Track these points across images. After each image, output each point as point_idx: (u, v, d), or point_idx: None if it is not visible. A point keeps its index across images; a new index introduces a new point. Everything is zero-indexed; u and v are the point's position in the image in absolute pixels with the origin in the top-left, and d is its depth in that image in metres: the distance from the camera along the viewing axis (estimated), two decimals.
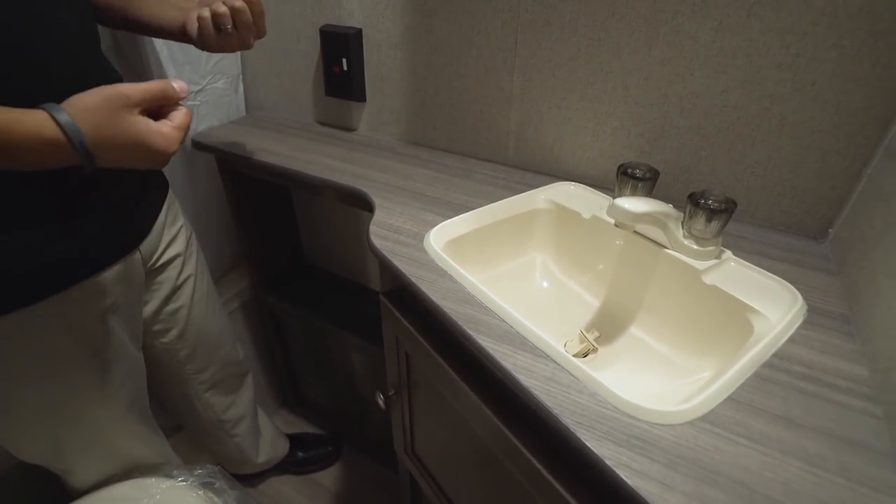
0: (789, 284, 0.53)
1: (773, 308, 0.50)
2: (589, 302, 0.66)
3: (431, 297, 0.50)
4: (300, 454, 1.22)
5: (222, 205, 1.04)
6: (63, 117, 0.41)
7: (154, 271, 0.72)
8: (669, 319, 0.59)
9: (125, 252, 0.62)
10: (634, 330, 0.62)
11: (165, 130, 0.47)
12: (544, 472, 0.42)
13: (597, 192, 0.71)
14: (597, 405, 0.39)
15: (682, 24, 0.60)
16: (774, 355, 0.45)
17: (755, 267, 0.56)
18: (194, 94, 0.90)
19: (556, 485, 0.41)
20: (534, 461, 0.43)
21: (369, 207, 0.70)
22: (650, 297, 0.61)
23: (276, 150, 0.85)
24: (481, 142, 0.83)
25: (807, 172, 0.61)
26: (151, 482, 0.78)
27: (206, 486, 0.79)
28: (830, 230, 0.63)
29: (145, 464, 0.80)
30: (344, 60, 0.85)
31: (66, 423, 0.65)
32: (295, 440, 1.23)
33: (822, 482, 0.34)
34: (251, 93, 1.03)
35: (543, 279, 0.70)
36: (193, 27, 0.60)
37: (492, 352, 0.44)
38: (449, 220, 0.63)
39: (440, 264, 0.56)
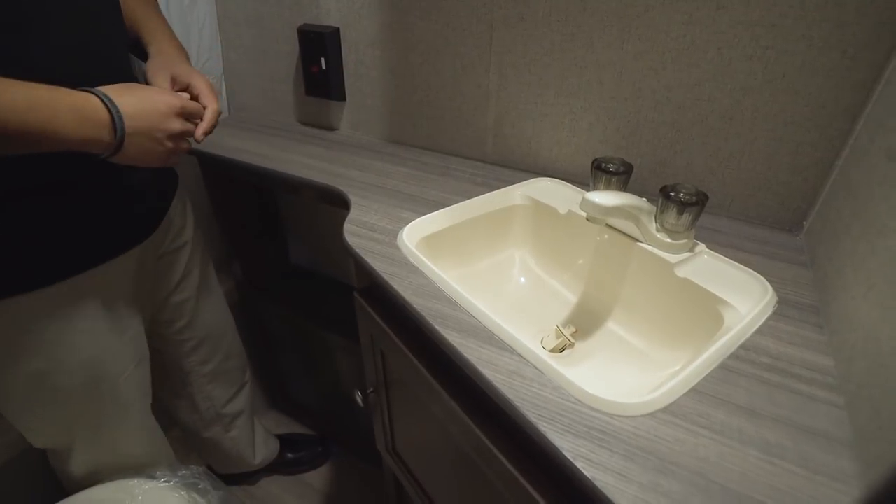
0: (761, 276, 0.53)
1: (744, 300, 0.50)
2: (566, 297, 0.66)
3: (401, 293, 0.50)
4: (290, 455, 1.22)
5: (207, 206, 1.03)
6: (107, 99, 0.47)
7: (164, 258, 0.73)
8: (644, 313, 0.59)
9: (147, 234, 0.65)
10: (611, 325, 0.62)
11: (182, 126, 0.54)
12: (513, 470, 0.42)
13: (574, 187, 0.71)
14: (559, 398, 0.39)
15: (653, 18, 0.60)
16: (742, 346, 0.45)
17: (728, 259, 0.56)
18: None
19: (525, 483, 0.41)
20: (503, 459, 0.43)
21: (346, 205, 0.70)
22: (625, 291, 0.61)
23: (257, 150, 0.85)
24: (460, 139, 0.83)
25: (780, 165, 0.61)
26: (134, 483, 0.77)
27: (190, 486, 0.79)
28: (805, 222, 0.63)
29: (143, 460, 0.80)
30: (322, 60, 0.85)
31: (85, 408, 0.66)
32: (284, 441, 1.23)
33: (780, 472, 0.34)
34: (234, 94, 1.03)
35: (521, 275, 0.70)
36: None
37: (457, 346, 0.44)
38: (423, 217, 0.63)
39: (412, 261, 0.56)
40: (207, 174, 0.96)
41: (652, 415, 0.38)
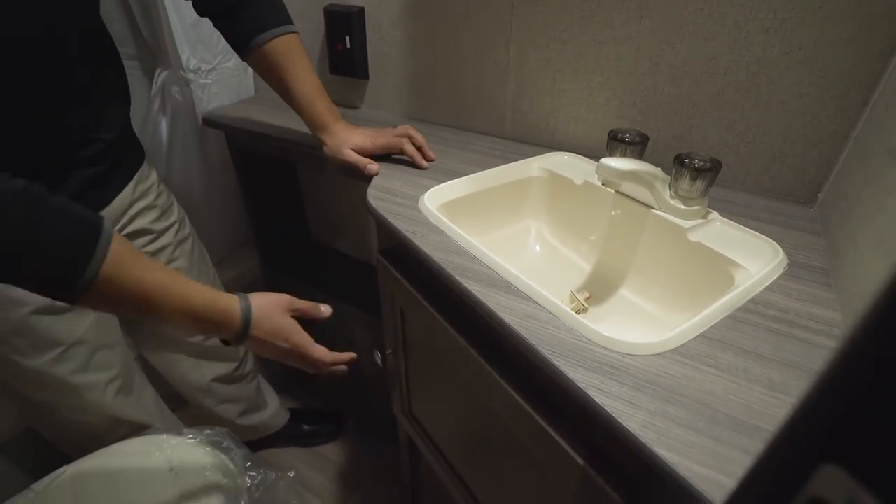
0: (772, 241, 0.54)
1: (755, 262, 0.52)
2: (580, 266, 0.68)
3: (423, 248, 0.53)
4: (305, 427, 1.25)
5: (232, 184, 1.08)
6: (244, 304, 0.57)
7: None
8: (656, 279, 0.61)
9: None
10: (623, 291, 0.64)
11: (321, 356, 0.62)
12: (526, 405, 0.44)
13: (590, 160, 0.73)
14: (572, 338, 0.42)
15: None
16: (751, 301, 0.46)
17: (740, 226, 0.57)
18: (206, 73, 0.94)
19: (538, 418, 0.43)
20: (516, 397, 0.45)
21: (369, 178, 0.72)
22: (638, 257, 0.63)
23: (282, 126, 0.89)
24: (479, 116, 0.85)
25: (796, 137, 0.62)
26: (163, 437, 0.82)
27: (214, 444, 0.83)
28: (819, 194, 0.64)
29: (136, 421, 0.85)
30: (347, 38, 0.88)
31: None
32: (301, 414, 1.27)
33: (784, 405, 0.36)
34: None
35: (537, 244, 0.72)
36: (373, 170, 0.71)
37: (476, 293, 0.46)
38: (443, 185, 0.66)
39: (433, 221, 0.58)
40: (234, 152, 1.00)
41: (661, 355, 0.40)
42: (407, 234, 0.56)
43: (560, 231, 0.71)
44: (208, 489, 0.73)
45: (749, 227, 0.57)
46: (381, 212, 0.60)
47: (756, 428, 0.34)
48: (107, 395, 0.80)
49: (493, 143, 0.82)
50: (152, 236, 0.80)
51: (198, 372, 1.00)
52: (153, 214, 0.79)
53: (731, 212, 0.61)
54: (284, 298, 0.60)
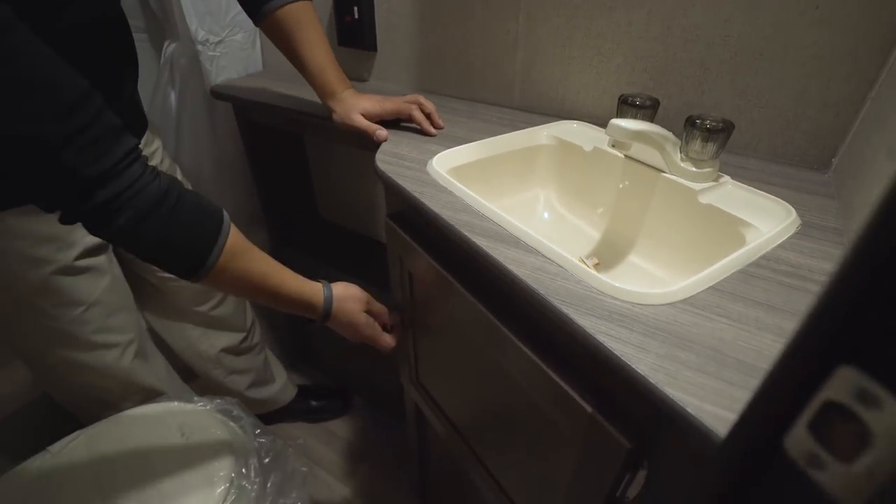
0: (784, 202, 0.54)
1: (767, 222, 0.51)
2: (589, 233, 0.68)
3: (431, 206, 0.53)
4: (313, 402, 1.27)
5: (240, 159, 1.08)
6: (328, 292, 0.66)
7: None
8: (666, 243, 0.60)
9: None
10: (632, 257, 0.63)
11: (388, 339, 0.72)
12: (535, 357, 0.44)
13: (599, 128, 0.72)
14: (581, 289, 0.41)
15: None
16: (762, 257, 0.46)
17: (752, 188, 0.57)
18: (214, 45, 0.94)
19: (546, 369, 0.43)
20: (525, 349, 0.45)
21: (377, 145, 0.72)
22: (648, 222, 0.62)
23: (291, 95, 0.89)
24: (488, 86, 0.84)
25: (811, 101, 0.61)
26: (174, 405, 0.83)
27: (225, 412, 0.84)
28: (834, 159, 0.63)
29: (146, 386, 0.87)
30: (355, 9, 0.87)
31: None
32: (308, 390, 1.28)
33: None
34: (267, 48, 1.06)
35: (545, 212, 0.72)
36: (381, 136, 0.72)
37: (485, 248, 0.46)
38: (451, 150, 0.65)
39: (442, 182, 0.58)
40: (242, 125, 1.00)
41: (671, 304, 0.40)
42: (415, 194, 0.56)
43: (569, 199, 0.71)
44: (219, 454, 0.74)
45: (761, 191, 0.56)
46: (389, 174, 0.60)
47: (765, 371, 0.34)
48: (125, 358, 0.81)
49: (502, 112, 0.82)
50: None
51: (206, 342, 1.01)
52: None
53: (743, 177, 0.60)
54: (362, 297, 0.69)
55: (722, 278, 0.43)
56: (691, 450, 0.34)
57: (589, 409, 0.39)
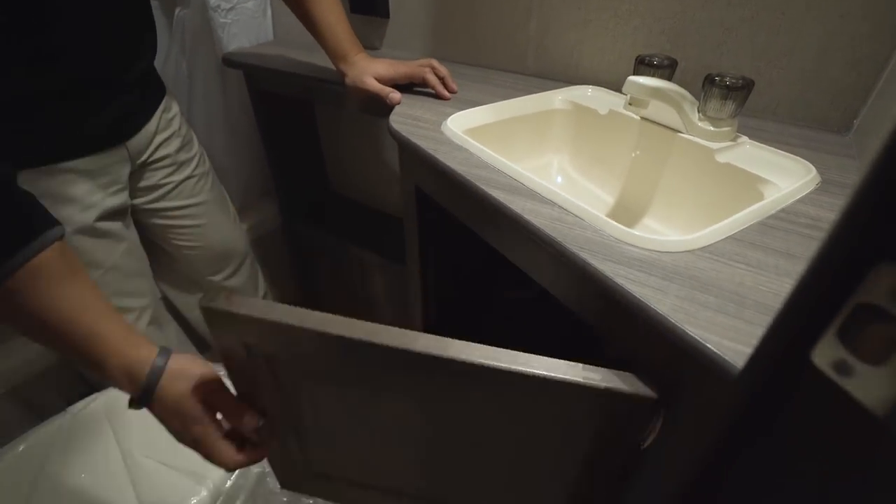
0: (804, 160, 0.53)
1: (786, 179, 0.50)
2: (604, 199, 0.67)
3: (447, 163, 0.53)
4: None
5: (252, 131, 1.08)
6: (161, 361, 0.45)
7: (146, 166, 0.78)
8: (682, 206, 0.60)
9: (116, 143, 0.70)
10: (647, 220, 0.63)
11: (228, 453, 0.48)
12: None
13: (614, 93, 0.71)
14: (600, 238, 0.41)
15: None
16: (782, 210, 0.46)
17: (770, 148, 0.56)
18: (226, 12, 0.93)
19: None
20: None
21: (390, 110, 0.72)
22: (663, 185, 0.62)
23: (303, 62, 0.88)
24: (500, 53, 0.83)
25: (833, 61, 0.60)
26: None
27: None
28: (855, 121, 0.61)
29: None
30: None
31: None
32: None
33: None
34: (278, 14, 1.05)
35: (559, 178, 0.72)
36: (395, 98, 0.70)
37: (503, 200, 0.46)
38: (466, 111, 0.65)
39: (457, 141, 0.58)
40: (254, 94, 1.00)
41: (690, 252, 0.40)
42: (430, 151, 0.55)
43: (583, 163, 0.71)
44: None
45: (780, 150, 0.55)
46: (403, 133, 0.60)
47: None
48: (139, 324, 0.83)
49: (516, 79, 0.81)
50: (174, 167, 0.81)
51: None
52: (176, 144, 0.80)
53: (761, 139, 0.59)
54: (204, 373, 0.47)
55: (741, 229, 0.43)
56: (709, 391, 0.34)
57: (603, 385, 0.36)
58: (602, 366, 0.37)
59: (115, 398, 0.78)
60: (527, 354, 0.37)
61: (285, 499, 0.77)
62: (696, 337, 0.32)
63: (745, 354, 0.30)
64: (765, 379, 0.28)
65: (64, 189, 0.66)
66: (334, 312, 0.40)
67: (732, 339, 0.32)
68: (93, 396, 0.78)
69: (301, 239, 1.20)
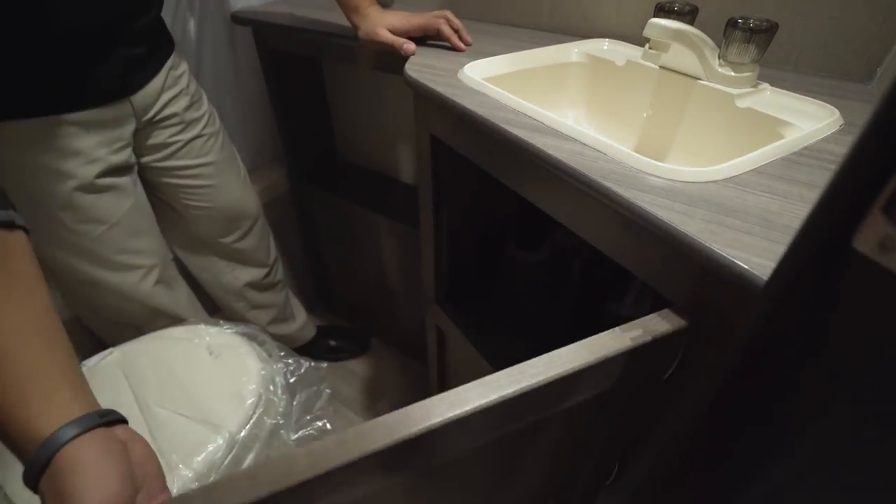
0: (827, 104, 0.52)
1: (809, 122, 0.50)
2: None
3: (466, 105, 0.52)
4: (331, 342, 1.29)
5: (262, 98, 1.07)
6: (73, 430, 0.33)
7: (153, 124, 0.77)
8: (702, 155, 0.59)
9: (121, 96, 0.70)
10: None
11: None
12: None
13: (632, 45, 0.70)
14: (623, 169, 0.41)
15: None
16: (805, 148, 0.45)
17: (792, 94, 0.55)
18: None
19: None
20: None
21: (403, 62, 0.71)
22: (682, 134, 0.61)
23: (312, 19, 0.87)
24: (516, 8, 0.82)
25: (857, 7, 0.59)
26: (201, 327, 0.85)
27: (251, 336, 0.86)
28: (879, 69, 0.60)
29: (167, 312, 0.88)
30: None
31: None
32: (327, 330, 1.30)
33: None
34: None
35: None
36: (409, 49, 0.70)
37: (524, 137, 0.46)
38: (482, 60, 0.64)
39: (474, 87, 0.57)
40: (263, 54, 0.99)
41: (714, 182, 0.40)
42: (448, 95, 0.55)
43: (600, 117, 0.70)
44: (246, 371, 0.76)
45: (802, 96, 0.55)
46: (419, 80, 0.59)
47: None
48: (146, 282, 0.83)
49: (532, 34, 0.79)
50: (182, 126, 0.80)
51: (230, 274, 1.03)
52: (184, 102, 0.79)
53: (783, 86, 0.59)
54: (144, 458, 0.38)
55: (764, 163, 0.42)
56: (736, 310, 0.34)
57: (650, 337, 0.35)
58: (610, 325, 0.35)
59: (128, 352, 0.79)
60: (561, 350, 0.33)
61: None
62: (724, 254, 0.32)
63: (771, 268, 0.30)
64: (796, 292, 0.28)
65: (67, 142, 0.66)
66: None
67: (762, 256, 0.32)
68: (108, 351, 0.79)
69: (310, 204, 1.20)
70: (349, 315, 1.39)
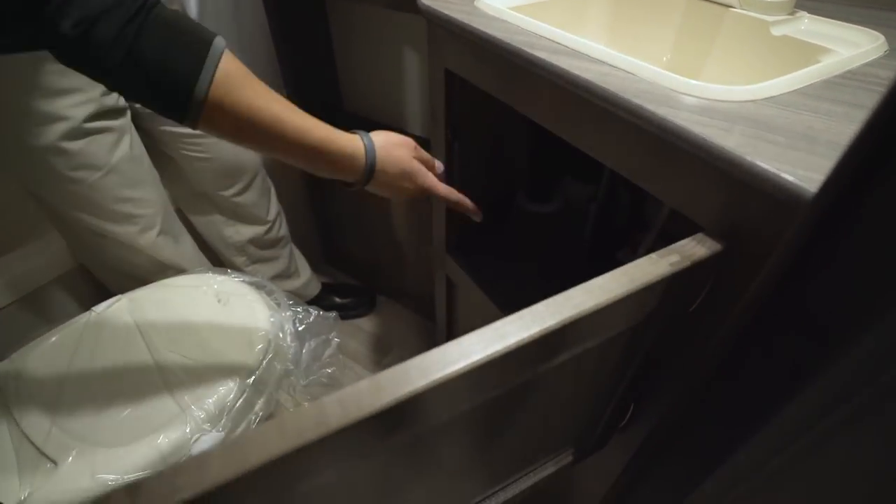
0: (869, 29, 0.49)
1: (850, 49, 0.47)
2: None
3: (484, 29, 0.49)
4: (337, 300, 1.29)
5: (265, 44, 1.03)
6: (367, 141, 0.51)
7: None
8: (732, 83, 0.56)
9: None
10: None
11: (433, 179, 0.56)
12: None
13: None
14: (654, 89, 0.39)
15: None
16: (848, 71, 0.42)
17: (831, 20, 0.52)
18: None
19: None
20: None
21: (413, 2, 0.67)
22: (711, 66, 0.58)
23: None
24: None
25: None
26: (209, 275, 0.84)
27: (258, 286, 0.85)
28: None
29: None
30: None
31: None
32: (332, 288, 1.30)
33: None
34: None
35: None
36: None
37: (549, 59, 0.43)
38: None
39: (492, 13, 0.54)
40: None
41: (752, 101, 0.37)
42: (465, 21, 0.52)
43: (623, 50, 0.66)
44: (255, 318, 0.76)
45: (842, 22, 0.51)
46: (435, 7, 0.56)
47: None
48: (148, 233, 0.82)
49: None
50: None
51: (231, 228, 1.01)
52: None
53: (821, 14, 0.55)
54: (408, 141, 0.55)
55: (806, 84, 0.40)
56: (776, 229, 0.32)
57: (689, 262, 0.33)
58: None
59: (136, 299, 0.78)
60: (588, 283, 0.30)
61: (308, 396, 0.78)
62: (767, 166, 0.30)
63: (818, 181, 0.28)
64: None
65: (56, 81, 0.64)
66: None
67: (806, 169, 0.30)
68: (115, 298, 0.79)
69: None
70: (355, 271, 1.38)
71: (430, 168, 0.58)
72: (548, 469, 0.50)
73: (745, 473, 0.36)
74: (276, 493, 0.22)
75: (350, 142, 0.49)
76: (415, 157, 0.55)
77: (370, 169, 0.51)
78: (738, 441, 0.37)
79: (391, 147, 0.53)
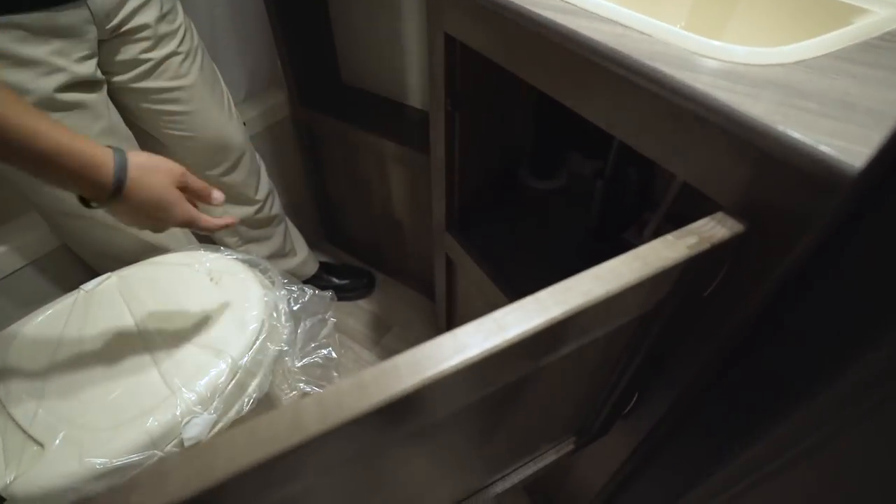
0: None
1: (887, 8, 0.43)
2: None
3: None
4: (335, 280, 1.27)
5: (260, 12, 0.98)
6: (120, 157, 0.47)
7: (120, 36, 0.70)
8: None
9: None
10: None
11: (193, 213, 0.54)
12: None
13: None
14: (671, 50, 0.35)
15: None
16: (887, 33, 0.38)
17: None
18: None
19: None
20: None
21: None
22: (732, 26, 0.54)
23: None
24: None
25: None
26: (201, 253, 0.82)
27: (252, 263, 0.83)
28: None
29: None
30: None
31: None
32: (331, 268, 1.28)
33: None
34: None
35: None
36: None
37: (559, 20, 0.39)
38: None
39: None
40: None
41: (781, 65, 0.34)
42: None
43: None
44: (249, 297, 0.74)
45: None
46: None
47: None
48: None
49: None
50: (154, 41, 0.73)
51: (219, 209, 0.98)
52: (153, 13, 0.71)
53: None
54: (176, 168, 0.52)
55: (840, 47, 0.36)
56: (803, 213, 0.29)
57: (708, 245, 0.30)
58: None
59: (126, 277, 0.76)
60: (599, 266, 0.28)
61: (303, 377, 0.77)
62: (799, 136, 0.27)
63: (863, 154, 0.25)
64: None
65: (18, 49, 0.59)
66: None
67: (845, 140, 0.26)
68: (105, 276, 0.76)
69: (311, 128, 1.13)
70: (354, 249, 1.36)
71: (203, 198, 0.56)
72: (549, 457, 0.48)
73: (757, 465, 0.34)
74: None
75: (96, 150, 0.45)
76: (179, 186, 0.52)
77: (117, 185, 0.46)
78: (746, 433, 0.35)
79: (151, 170, 0.50)
